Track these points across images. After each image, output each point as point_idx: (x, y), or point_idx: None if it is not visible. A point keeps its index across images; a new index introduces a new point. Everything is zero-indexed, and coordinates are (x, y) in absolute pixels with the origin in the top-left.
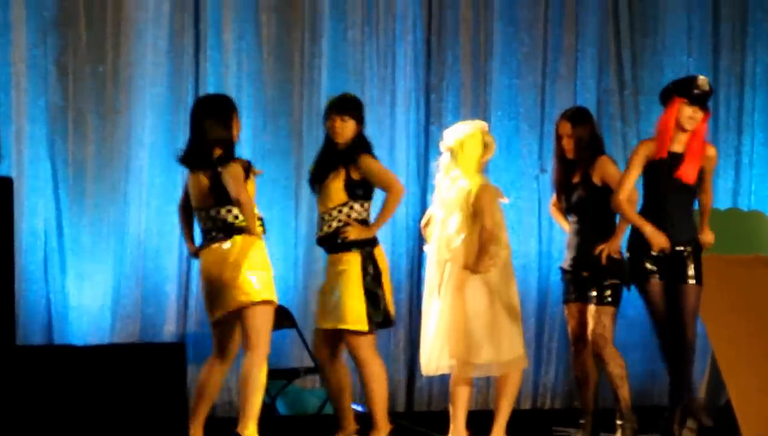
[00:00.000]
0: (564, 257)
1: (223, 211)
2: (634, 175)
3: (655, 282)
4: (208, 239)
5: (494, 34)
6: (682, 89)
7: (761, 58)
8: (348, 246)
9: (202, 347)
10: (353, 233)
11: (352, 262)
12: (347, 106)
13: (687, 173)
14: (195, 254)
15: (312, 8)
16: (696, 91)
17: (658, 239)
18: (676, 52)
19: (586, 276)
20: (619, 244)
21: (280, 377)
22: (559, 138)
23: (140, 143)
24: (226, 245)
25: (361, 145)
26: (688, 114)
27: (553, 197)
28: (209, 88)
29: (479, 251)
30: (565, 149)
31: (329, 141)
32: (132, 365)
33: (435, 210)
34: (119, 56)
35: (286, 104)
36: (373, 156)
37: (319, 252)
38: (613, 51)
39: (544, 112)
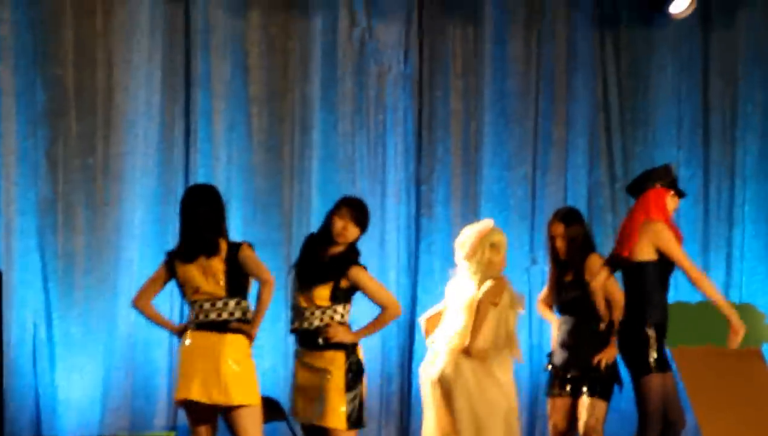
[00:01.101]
0: (553, 352)
1: (232, 303)
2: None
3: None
4: (202, 325)
5: (485, 126)
6: (671, 181)
7: (751, 150)
8: (331, 345)
9: None
10: (339, 336)
11: (336, 362)
12: (363, 215)
13: None
14: (182, 330)
15: (302, 100)
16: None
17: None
18: (666, 145)
19: (577, 376)
20: (615, 351)
21: None
22: (552, 238)
23: (130, 235)
24: (224, 338)
25: (352, 254)
26: (673, 206)
27: (543, 293)
28: (200, 179)
29: (472, 330)
30: (558, 249)
31: (323, 237)
32: None
33: (445, 309)
34: (109, 148)
35: (276, 196)
36: (364, 267)
37: None
38: (603, 143)
39: (535, 204)
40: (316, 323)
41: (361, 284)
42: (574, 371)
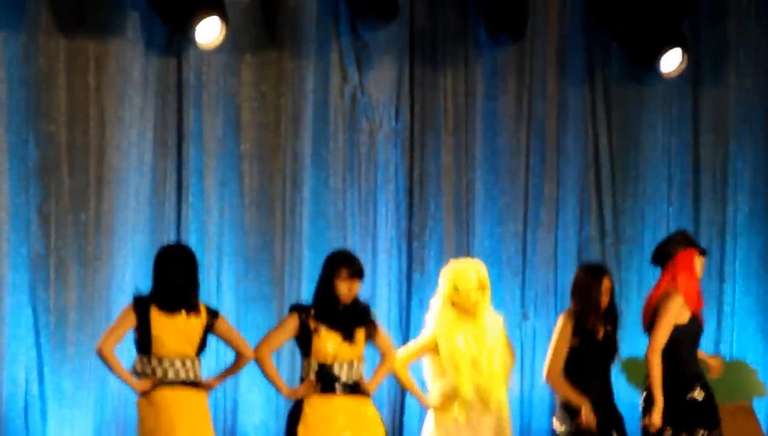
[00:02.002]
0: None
1: (197, 363)
2: None
3: None
4: (176, 383)
5: (476, 182)
6: (693, 242)
7: (741, 208)
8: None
9: None
10: (373, 387)
11: (374, 409)
12: (363, 272)
13: None
14: (147, 388)
15: (293, 156)
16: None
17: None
18: (657, 201)
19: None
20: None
21: None
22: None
23: (121, 290)
24: (197, 397)
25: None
26: (700, 265)
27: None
28: (191, 234)
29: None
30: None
31: (335, 297)
32: None
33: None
34: (101, 204)
35: (267, 251)
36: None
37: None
38: (593, 200)
39: (526, 260)
40: (356, 376)
41: (378, 332)
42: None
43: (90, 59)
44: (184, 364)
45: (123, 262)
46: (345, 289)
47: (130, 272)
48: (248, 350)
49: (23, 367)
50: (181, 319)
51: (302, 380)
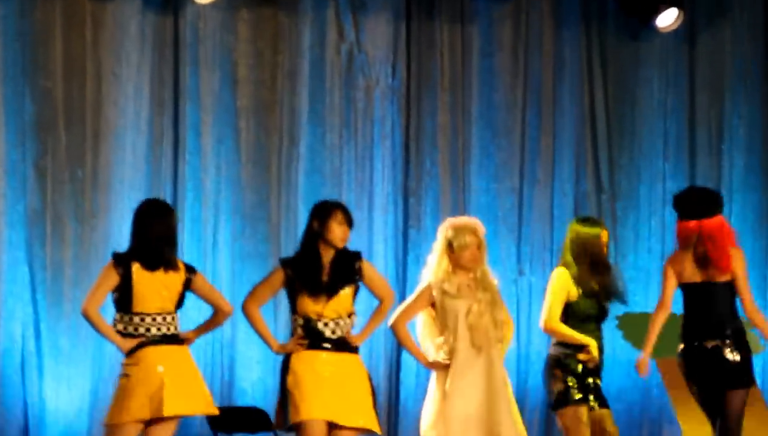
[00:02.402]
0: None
1: (176, 318)
2: None
3: None
4: (159, 339)
5: (472, 138)
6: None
7: (737, 163)
8: (354, 350)
9: None
10: (360, 340)
11: (361, 365)
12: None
13: None
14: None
15: (290, 113)
16: None
17: None
18: (653, 157)
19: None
20: None
21: None
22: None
23: (117, 246)
24: (181, 350)
25: (353, 252)
26: None
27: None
28: (188, 191)
29: None
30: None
31: (324, 245)
32: None
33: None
34: (98, 160)
35: (263, 208)
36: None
37: None
38: (590, 155)
39: (522, 216)
40: (341, 332)
41: (370, 278)
42: None
43: (87, 14)
44: (165, 319)
45: (119, 218)
46: (340, 232)
47: (127, 229)
48: (227, 306)
49: (20, 323)
50: (162, 275)
51: (292, 335)
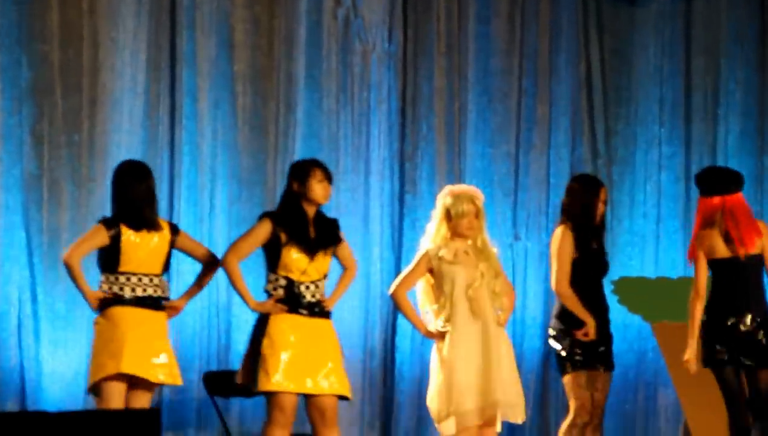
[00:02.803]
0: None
1: (163, 281)
2: None
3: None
4: (134, 301)
5: (468, 104)
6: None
7: (733, 128)
8: (329, 315)
9: (178, 414)
10: (331, 305)
11: (333, 330)
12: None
13: None
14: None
15: (287, 78)
16: None
17: None
18: (649, 123)
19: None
20: None
21: None
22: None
23: None
24: (155, 316)
25: (331, 218)
26: None
27: None
28: (184, 156)
29: None
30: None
31: (306, 204)
32: (106, 431)
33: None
34: (95, 125)
35: (260, 173)
36: None
37: None
38: (586, 121)
39: (518, 181)
40: (318, 296)
41: (344, 245)
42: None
43: None
44: (151, 281)
45: None
46: (321, 189)
47: None
48: (214, 258)
49: (16, 287)
50: (148, 236)
51: (267, 293)
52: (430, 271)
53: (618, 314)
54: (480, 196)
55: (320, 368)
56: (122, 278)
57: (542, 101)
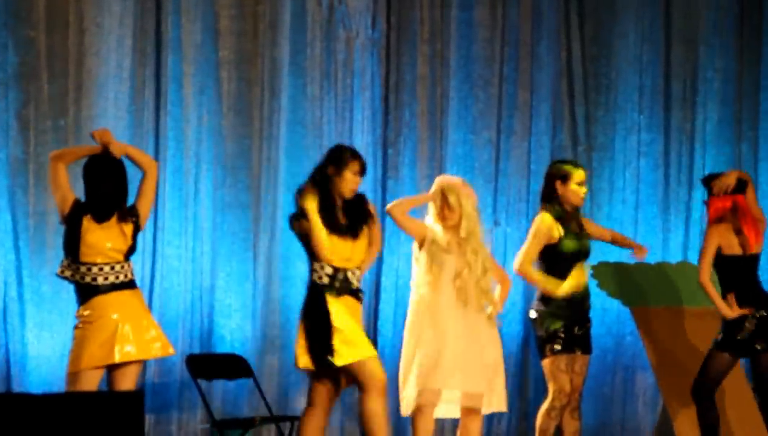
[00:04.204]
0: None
1: (126, 265)
2: None
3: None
4: (110, 287)
5: (450, 90)
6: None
7: (711, 116)
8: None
9: (161, 396)
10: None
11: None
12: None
13: None
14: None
15: (271, 64)
16: None
17: None
18: (628, 110)
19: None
20: None
21: (236, 426)
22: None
23: None
24: (133, 295)
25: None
26: None
27: None
28: (169, 142)
29: None
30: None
31: (338, 192)
32: (90, 413)
33: None
34: (80, 110)
35: (245, 158)
36: None
37: (277, 304)
38: (566, 108)
39: (499, 168)
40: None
41: (377, 231)
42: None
43: None
44: (113, 268)
45: None
46: (353, 183)
47: None
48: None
49: (2, 270)
50: (113, 227)
51: (313, 283)
52: (422, 242)
53: (597, 298)
54: (474, 197)
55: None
56: (83, 268)
57: (523, 88)
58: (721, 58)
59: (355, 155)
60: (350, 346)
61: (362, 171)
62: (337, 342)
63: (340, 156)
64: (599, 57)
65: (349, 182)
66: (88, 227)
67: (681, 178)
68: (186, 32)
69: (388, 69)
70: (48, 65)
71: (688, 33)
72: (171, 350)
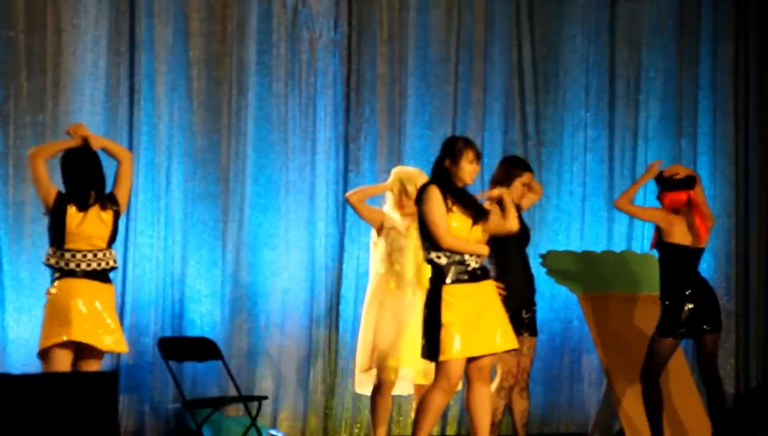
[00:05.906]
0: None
1: (108, 252)
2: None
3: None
4: (83, 274)
5: (408, 88)
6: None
7: (653, 113)
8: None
9: (135, 376)
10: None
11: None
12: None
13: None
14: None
15: (239, 63)
16: None
17: None
18: (575, 107)
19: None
20: None
21: (206, 405)
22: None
23: None
24: (103, 288)
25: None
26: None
27: None
28: (143, 136)
29: None
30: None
31: (458, 181)
32: (65, 393)
33: None
34: (58, 106)
35: (214, 152)
36: None
37: (244, 290)
38: (517, 106)
39: None
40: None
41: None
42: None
43: None
44: (95, 256)
45: None
46: (471, 169)
47: None
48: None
49: None
50: (94, 215)
51: (436, 264)
52: (380, 228)
53: (546, 285)
54: (420, 180)
55: (495, 328)
56: (68, 255)
57: (477, 87)
58: (663, 59)
59: (468, 144)
60: None
61: (478, 158)
62: None
63: (453, 148)
64: (548, 58)
65: (467, 170)
66: (73, 216)
67: (625, 172)
68: (158, 33)
69: (350, 68)
70: (27, 64)
71: (631, 36)
72: (124, 348)
